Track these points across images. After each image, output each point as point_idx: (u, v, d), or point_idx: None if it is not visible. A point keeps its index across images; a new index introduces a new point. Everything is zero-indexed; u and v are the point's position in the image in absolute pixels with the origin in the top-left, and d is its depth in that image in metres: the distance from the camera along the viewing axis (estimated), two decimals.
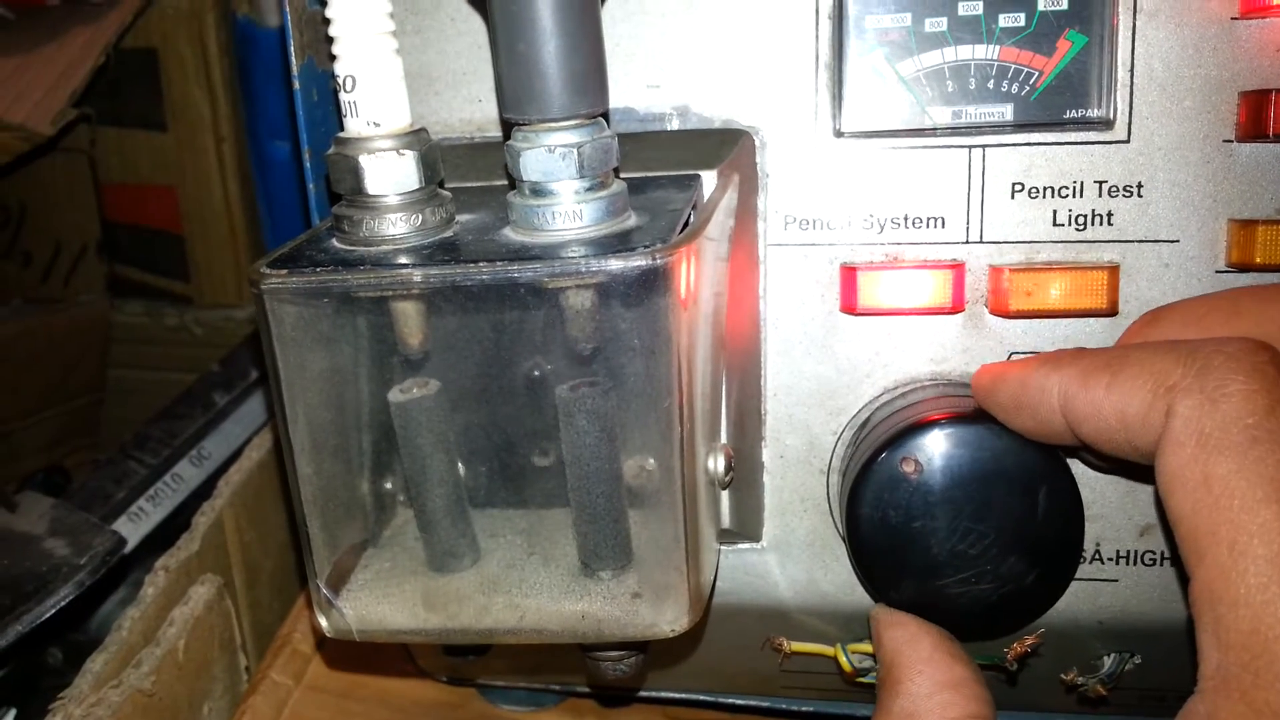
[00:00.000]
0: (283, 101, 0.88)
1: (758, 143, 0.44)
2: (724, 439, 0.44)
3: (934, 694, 0.38)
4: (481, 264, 0.33)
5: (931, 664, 0.39)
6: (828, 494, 0.46)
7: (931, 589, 0.40)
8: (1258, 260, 0.41)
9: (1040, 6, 0.42)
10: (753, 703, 0.52)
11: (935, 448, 0.39)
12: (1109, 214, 0.43)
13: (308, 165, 0.47)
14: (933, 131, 0.43)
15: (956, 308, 0.44)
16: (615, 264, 0.33)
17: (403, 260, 0.34)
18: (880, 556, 0.40)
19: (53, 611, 0.54)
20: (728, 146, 0.43)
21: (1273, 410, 0.31)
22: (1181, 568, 0.32)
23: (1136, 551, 0.45)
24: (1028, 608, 0.41)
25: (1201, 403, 0.32)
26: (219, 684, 0.58)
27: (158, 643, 0.53)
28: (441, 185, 0.38)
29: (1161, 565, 0.45)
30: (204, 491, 0.69)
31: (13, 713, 0.60)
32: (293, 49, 0.45)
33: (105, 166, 1.00)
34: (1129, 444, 0.34)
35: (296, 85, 0.45)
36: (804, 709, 0.52)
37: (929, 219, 0.44)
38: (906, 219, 0.44)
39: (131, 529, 0.72)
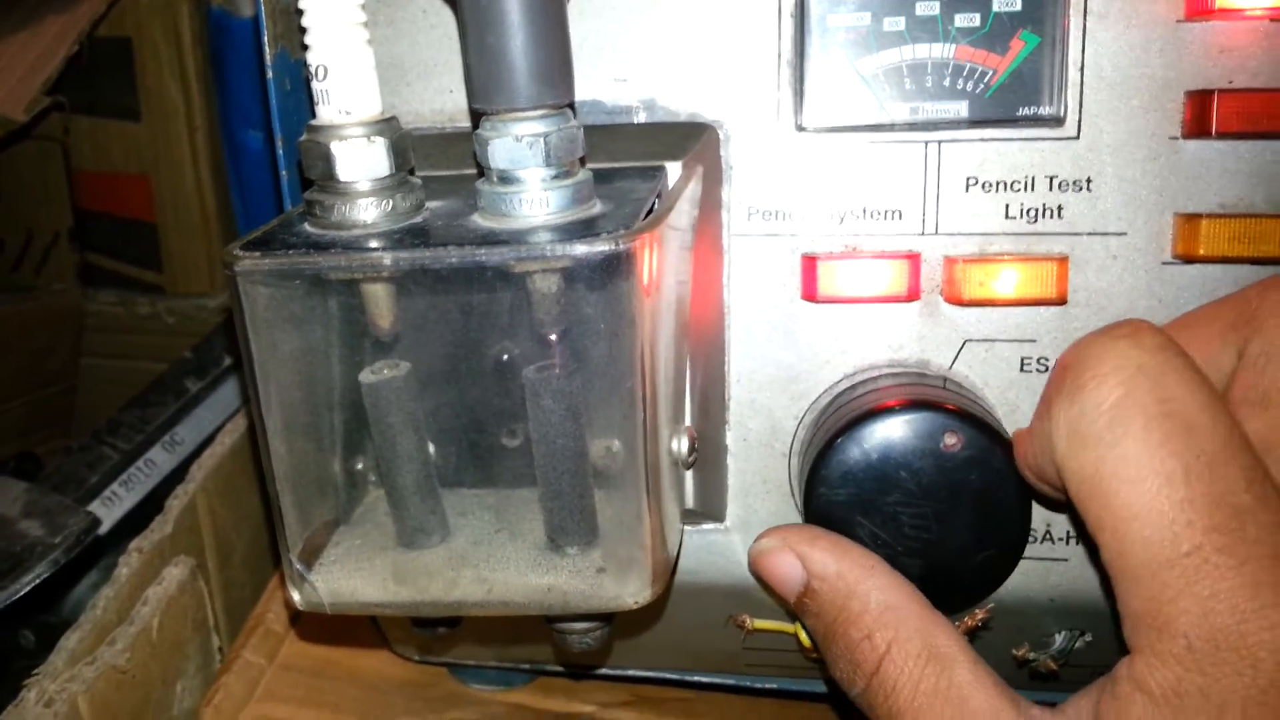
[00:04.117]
0: (255, 91, 0.88)
1: (722, 136, 0.45)
2: (688, 422, 0.45)
3: (900, 584, 0.39)
4: (450, 248, 0.34)
5: (872, 558, 0.40)
6: (789, 476, 0.47)
7: (849, 519, 0.41)
8: (1201, 252, 0.43)
9: (995, 7, 0.43)
10: (716, 680, 0.54)
11: (978, 446, 0.40)
12: (1059, 207, 0.44)
13: (280, 153, 0.48)
14: (890, 127, 0.44)
15: (912, 296, 0.45)
16: (580, 249, 0.34)
17: (373, 244, 0.35)
18: (848, 461, 0.41)
19: (28, 589, 0.55)
20: (692, 140, 0.44)
21: (1130, 393, 0.32)
22: None
23: None
24: None
25: (1064, 399, 0.34)
26: (192, 663, 0.59)
27: (132, 621, 0.53)
28: (412, 173, 0.39)
29: None
30: (177, 476, 0.70)
31: None
32: (266, 39, 0.45)
33: (78, 155, 1.00)
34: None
35: (270, 75, 0.46)
36: (766, 685, 0.53)
37: (887, 211, 0.45)
38: (865, 211, 0.45)
39: (105, 513, 0.72)
